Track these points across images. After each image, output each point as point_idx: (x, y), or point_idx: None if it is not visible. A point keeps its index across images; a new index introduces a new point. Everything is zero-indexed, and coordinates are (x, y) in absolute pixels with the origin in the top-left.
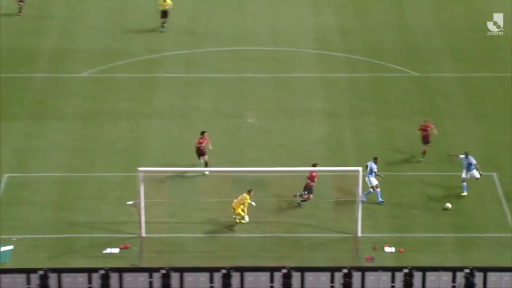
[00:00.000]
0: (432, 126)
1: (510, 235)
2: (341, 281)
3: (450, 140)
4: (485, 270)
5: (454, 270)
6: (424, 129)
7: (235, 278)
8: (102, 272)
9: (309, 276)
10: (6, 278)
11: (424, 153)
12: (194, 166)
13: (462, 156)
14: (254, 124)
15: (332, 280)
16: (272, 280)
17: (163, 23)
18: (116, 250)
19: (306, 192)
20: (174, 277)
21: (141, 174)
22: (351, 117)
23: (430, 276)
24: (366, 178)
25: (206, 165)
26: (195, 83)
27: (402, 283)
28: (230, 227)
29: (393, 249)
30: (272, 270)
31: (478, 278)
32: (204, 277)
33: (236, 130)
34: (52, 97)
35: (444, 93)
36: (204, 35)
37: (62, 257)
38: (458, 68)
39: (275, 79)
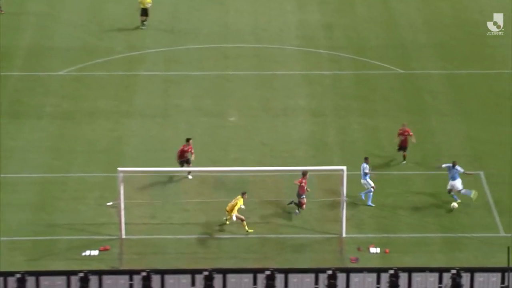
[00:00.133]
0: (410, 132)
1: (497, 234)
2: (326, 282)
3: (436, 139)
4: (472, 271)
5: (440, 270)
6: (402, 133)
7: (218, 280)
8: (81, 274)
9: (293, 278)
10: None
11: (404, 158)
12: (175, 165)
13: (448, 165)
14: (236, 123)
15: (316, 282)
16: (255, 282)
17: (144, 21)
18: (95, 252)
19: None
20: (155, 279)
21: (121, 174)
22: (336, 115)
23: (416, 277)
24: (362, 180)
25: (188, 173)
26: (176, 81)
27: (387, 284)
28: (213, 228)
29: (378, 250)
30: (255, 271)
31: (465, 278)
32: (185, 279)
33: (218, 129)
34: (29, 96)
35: (430, 90)
36: (185, 32)
37: (40, 260)
38: (444, 65)
39: (258, 76)
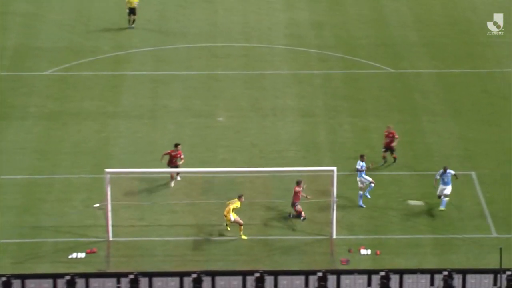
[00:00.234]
0: (396, 134)
1: (489, 235)
2: (316, 284)
3: (427, 139)
4: (464, 272)
5: (432, 272)
6: (387, 135)
7: (206, 282)
8: (67, 277)
9: (283, 280)
10: None
11: (395, 159)
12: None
13: (440, 172)
14: (225, 123)
15: (306, 284)
16: (244, 285)
17: (133, 20)
18: (82, 255)
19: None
20: (143, 282)
21: (108, 176)
22: (326, 115)
23: (408, 279)
24: (359, 178)
25: (171, 177)
26: (163, 81)
27: (378, 286)
28: (201, 230)
29: (369, 252)
30: (244, 274)
31: (457, 280)
32: (174, 281)
33: (207, 129)
34: (14, 96)
35: (421, 90)
36: (173, 31)
37: (26, 263)
38: (435, 64)
39: (247, 76)
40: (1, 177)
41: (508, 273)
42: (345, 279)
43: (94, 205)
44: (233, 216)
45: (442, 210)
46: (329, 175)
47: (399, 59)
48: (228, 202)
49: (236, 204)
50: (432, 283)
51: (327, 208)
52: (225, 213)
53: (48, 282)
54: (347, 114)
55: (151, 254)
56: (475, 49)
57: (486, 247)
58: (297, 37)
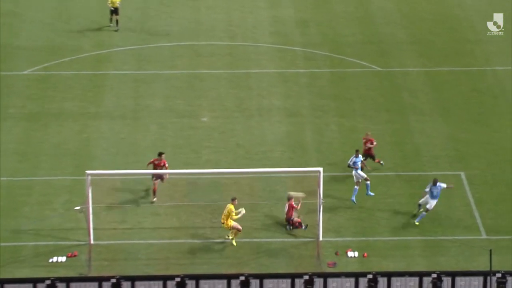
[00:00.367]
0: (374, 141)
1: (479, 237)
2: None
3: (415, 139)
4: (453, 275)
5: (421, 275)
6: (365, 143)
7: (190, 286)
8: (48, 282)
9: (268, 283)
10: None
11: (380, 163)
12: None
13: (429, 185)
14: (209, 124)
15: (292, 287)
16: None
17: (116, 21)
18: (63, 259)
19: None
20: (125, 286)
21: (89, 178)
22: (312, 115)
23: (396, 281)
24: (354, 172)
25: (153, 193)
26: (146, 81)
27: None
28: (185, 232)
29: (356, 254)
30: (229, 277)
31: (446, 283)
32: (157, 285)
33: (191, 130)
34: None
35: (409, 88)
36: (155, 29)
37: (5, 267)
38: (424, 62)
39: (231, 75)
40: None
41: (498, 275)
42: (332, 282)
43: (75, 208)
44: (231, 222)
45: (416, 224)
46: (315, 176)
47: (387, 57)
48: (225, 210)
49: (231, 207)
50: (420, 286)
51: (313, 209)
52: (222, 221)
53: (28, 287)
54: (333, 114)
55: (134, 257)
56: (464, 46)
57: (476, 249)
58: (282, 35)
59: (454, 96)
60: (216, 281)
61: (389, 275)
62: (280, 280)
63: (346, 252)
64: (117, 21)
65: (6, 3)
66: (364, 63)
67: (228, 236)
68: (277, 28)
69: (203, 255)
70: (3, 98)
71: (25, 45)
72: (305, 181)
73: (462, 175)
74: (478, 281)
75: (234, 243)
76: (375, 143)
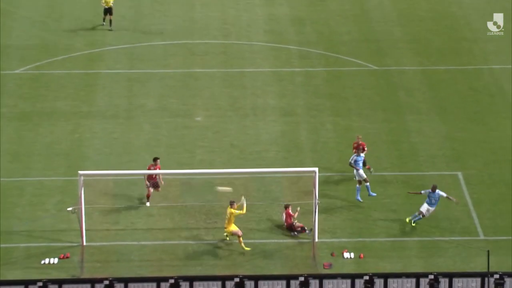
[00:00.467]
0: (365, 146)
1: (477, 238)
2: None
3: (412, 138)
4: (450, 276)
5: (417, 276)
6: (356, 147)
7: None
8: (40, 284)
9: (263, 285)
10: None
11: (369, 170)
12: (138, 168)
13: (427, 190)
14: (203, 123)
15: None
16: None
17: (110, 21)
18: (55, 260)
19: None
20: None
21: (82, 178)
22: (307, 115)
23: (393, 283)
24: (355, 172)
25: (147, 197)
26: (139, 80)
27: None
28: (178, 233)
29: (352, 255)
30: (223, 279)
31: (443, 284)
32: (150, 287)
33: (185, 129)
34: None
35: (406, 87)
36: (148, 27)
37: None
38: (420, 61)
39: (226, 74)
40: None
41: (496, 276)
42: (328, 284)
43: (68, 209)
44: (233, 228)
45: (413, 225)
46: (310, 176)
47: (383, 55)
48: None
49: (231, 211)
50: (417, 287)
51: (309, 210)
52: (225, 225)
53: None
54: (329, 113)
55: (127, 259)
56: (461, 45)
57: (473, 249)
58: (277, 33)
59: (451, 95)
60: (210, 282)
61: (385, 276)
62: (275, 282)
63: (342, 253)
64: (110, 20)
65: None
66: (360, 62)
67: (227, 238)
68: (271, 26)
69: (197, 257)
70: None
71: (17, 44)
72: (301, 181)
73: (459, 175)
74: (475, 282)
75: (245, 248)
76: (366, 150)
